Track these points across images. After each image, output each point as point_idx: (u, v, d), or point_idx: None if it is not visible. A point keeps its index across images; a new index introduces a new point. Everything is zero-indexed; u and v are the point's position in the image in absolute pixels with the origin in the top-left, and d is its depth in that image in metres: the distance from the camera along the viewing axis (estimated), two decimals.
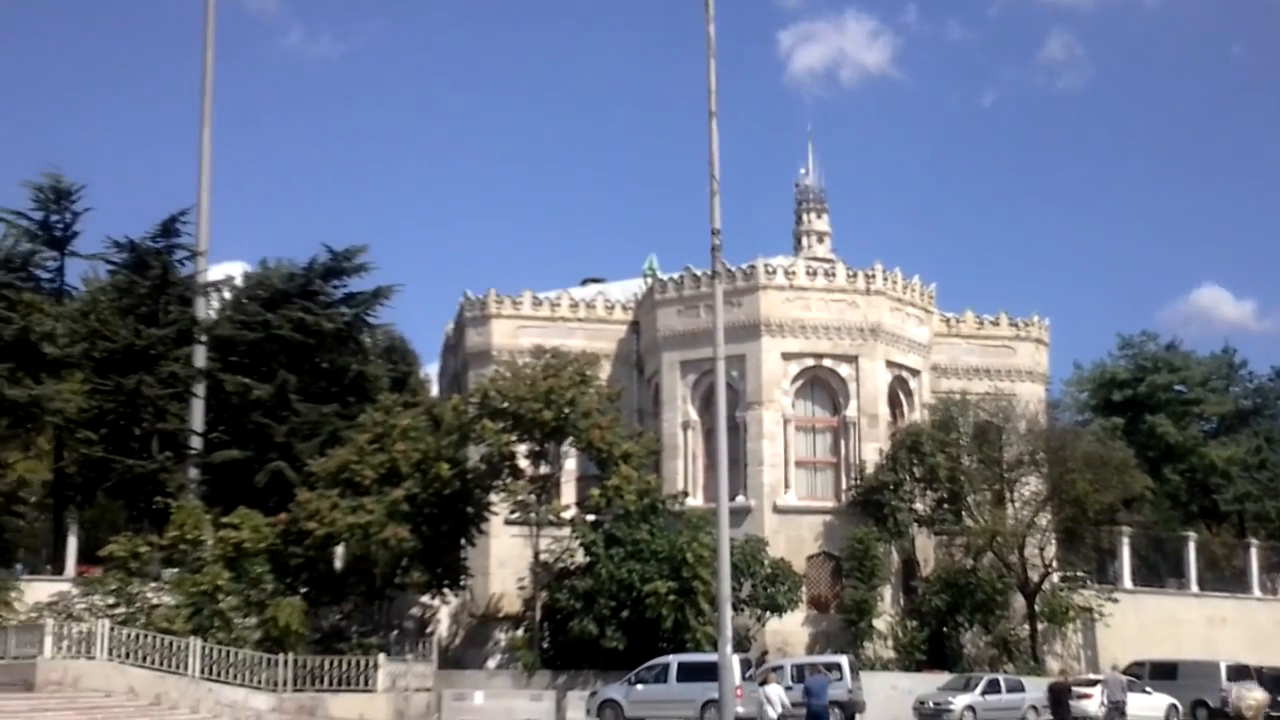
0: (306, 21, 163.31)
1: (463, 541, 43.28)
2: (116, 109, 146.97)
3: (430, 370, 72.58)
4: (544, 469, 44.35)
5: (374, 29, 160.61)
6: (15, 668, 34.69)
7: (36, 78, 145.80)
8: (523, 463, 43.32)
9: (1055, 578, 49.63)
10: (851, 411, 51.77)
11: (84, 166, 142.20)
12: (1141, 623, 51.80)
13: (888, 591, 49.00)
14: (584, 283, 64.29)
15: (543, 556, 43.13)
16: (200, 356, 48.84)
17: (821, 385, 52.59)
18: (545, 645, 42.98)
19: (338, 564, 41.41)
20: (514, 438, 42.30)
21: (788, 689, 36.91)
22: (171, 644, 35.32)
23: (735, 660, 32.20)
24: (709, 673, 33.95)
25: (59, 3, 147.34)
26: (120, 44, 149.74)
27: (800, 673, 37.54)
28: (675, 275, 54.47)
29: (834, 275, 53.48)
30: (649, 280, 57.65)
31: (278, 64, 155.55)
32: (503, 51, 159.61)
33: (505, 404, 42.18)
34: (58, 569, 46.33)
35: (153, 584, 39.38)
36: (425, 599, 45.03)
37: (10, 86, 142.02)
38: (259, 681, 35.77)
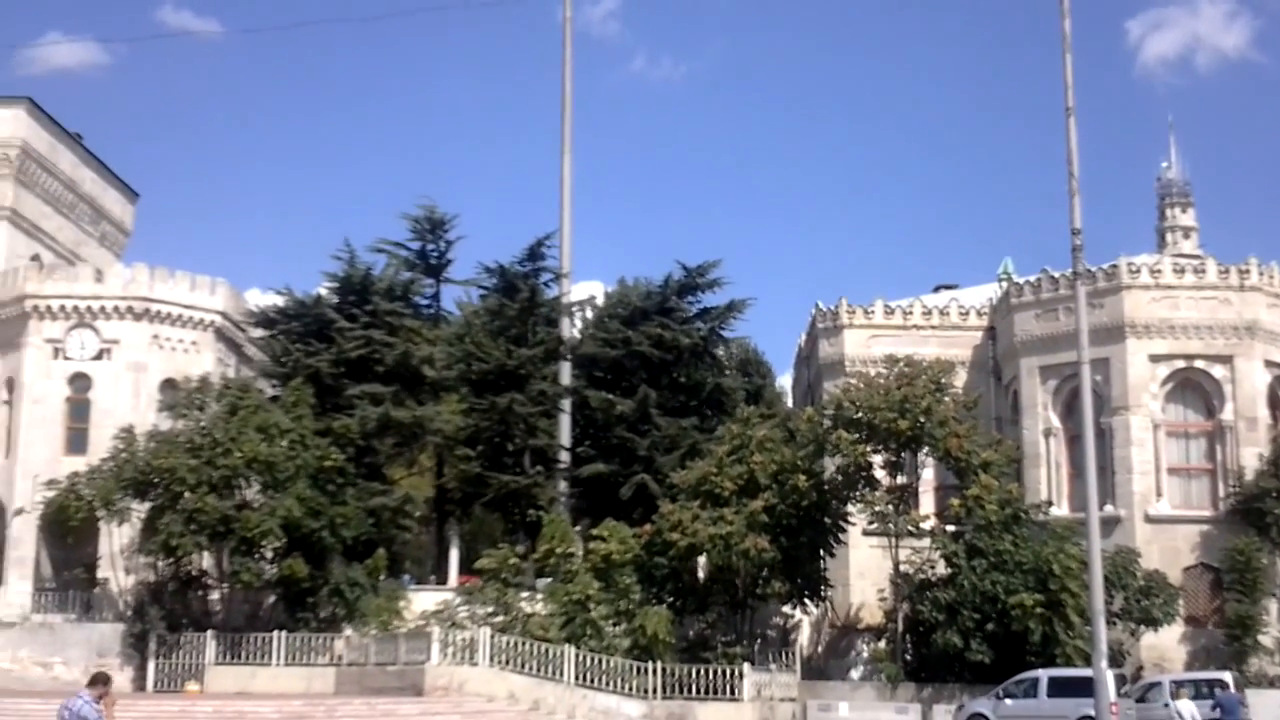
0: (649, 46, 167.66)
1: (821, 552, 43.37)
2: (480, 140, 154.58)
3: (784, 382, 73.19)
4: (901, 479, 43.91)
5: (714, 50, 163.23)
6: (406, 673, 37.07)
7: (409, 114, 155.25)
8: (879, 473, 43.03)
9: None
10: (1228, 415, 49.23)
11: (454, 196, 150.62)
12: None
13: (1274, 605, 46.35)
14: (936, 289, 63.45)
15: (903, 567, 42.75)
16: (566, 374, 50.86)
17: (1193, 388, 50.22)
18: (908, 657, 42.58)
19: (701, 574, 42.27)
20: (869, 448, 42.06)
21: (1165, 707, 35.58)
22: (547, 651, 36.95)
23: (1110, 676, 31.25)
24: (1081, 688, 33.05)
25: (421, 41, 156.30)
26: (484, 79, 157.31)
27: (1178, 690, 36.00)
28: (1032, 278, 53.13)
29: (1203, 272, 50.99)
30: (1004, 284, 56.46)
31: (625, 87, 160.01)
32: (846, 60, 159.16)
33: (859, 414, 42.03)
34: (441, 579, 49.19)
35: (527, 593, 41.26)
36: (786, 609, 45.36)
37: (386, 125, 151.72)
38: (630, 689, 36.94)
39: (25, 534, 47.97)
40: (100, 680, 16.43)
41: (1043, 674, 36.60)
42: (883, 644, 44.46)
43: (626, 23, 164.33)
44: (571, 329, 53.21)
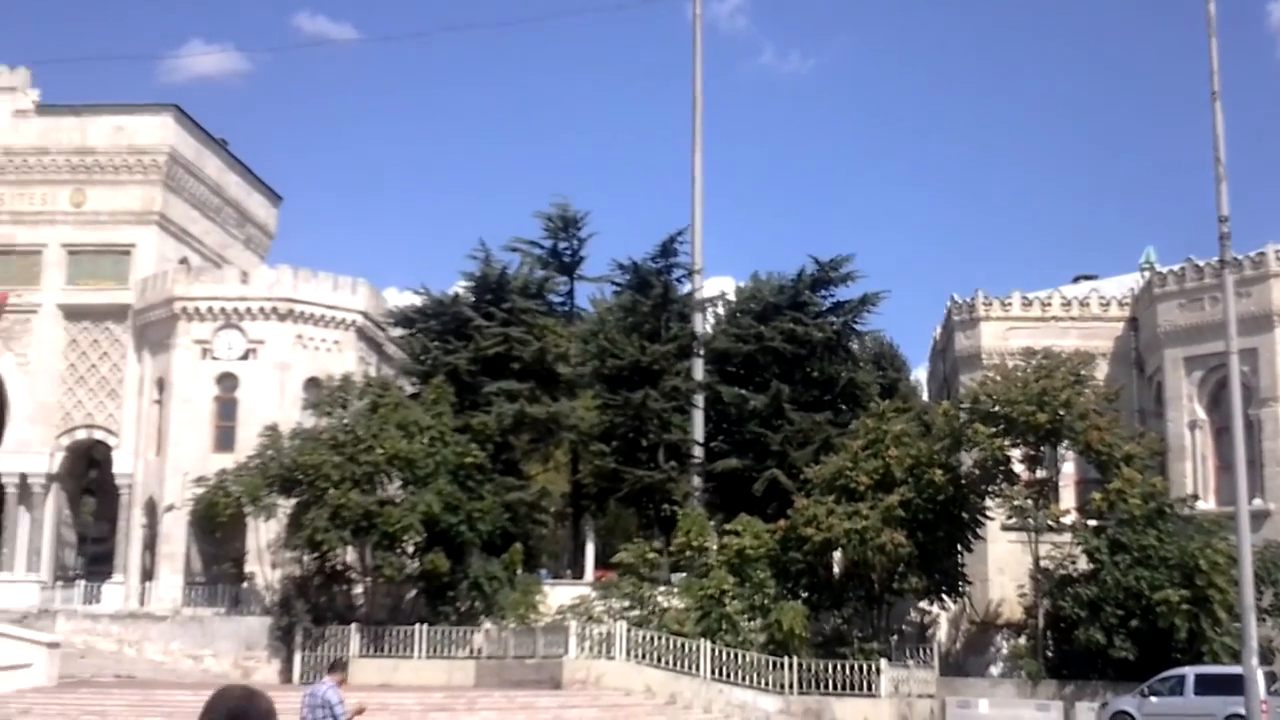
0: (777, 41, 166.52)
1: (959, 547, 42.94)
2: (610, 137, 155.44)
3: (919, 375, 72.51)
4: (1040, 473, 43.29)
5: (842, 42, 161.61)
6: (544, 666, 37.54)
7: (541, 114, 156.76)
8: (1018, 467, 42.42)
9: None
10: None
11: (585, 193, 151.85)
12: None
13: None
14: (1075, 280, 62.29)
15: (1043, 563, 42.13)
16: (699, 370, 50.99)
17: None
18: (1049, 654, 41.92)
19: (836, 569, 42.09)
20: (1007, 442, 41.47)
21: None
22: (683, 646, 37.10)
23: (1259, 673, 30.46)
24: (1230, 686, 32.28)
25: (551, 42, 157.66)
26: (613, 77, 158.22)
27: None
28: (1175, 267, 51.93)
29: None
30: (1147, 274, 55.26)
31: (753, 82, 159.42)
32: (977, 48, 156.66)
33: (997, 407, 41.44)
34: (577, 574, 49.62)
35: (662, 588, 41.47)
36: (924, 605, 44.96)
37: (518, 125, 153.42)
38: (765, 683, 36.91)
39: (176, 530, 49.49)
40: (339, 667, 17.10)
41: (1189, 671, 35.79)
42: (1023, 640, 43.80)
43: (754, 18, 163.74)
44: (704, 324, 53.34)
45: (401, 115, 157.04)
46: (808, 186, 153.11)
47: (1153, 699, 35.70)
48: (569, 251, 54.26)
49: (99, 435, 53.53)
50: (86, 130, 55.77)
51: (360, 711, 16.98)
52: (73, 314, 54.01)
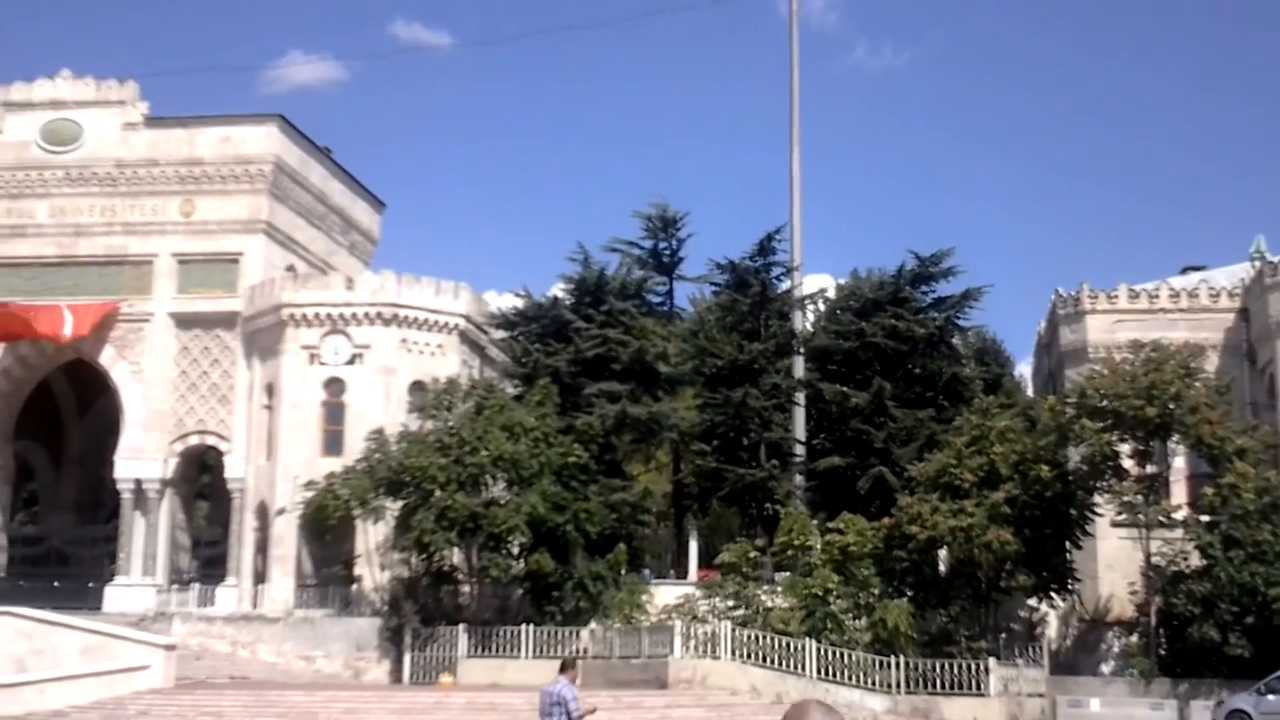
0: (870, 35, 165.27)
1: (1067, 544, 42.38)
2: (706, 136, 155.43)
3: (1024, 370, 71.70)
4: (1150, 468, 42.62)
5: (936, 35, 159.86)
6: (650, 666, 37.65)
7: (636, 115, 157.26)
8: (1126, 462, 41.84)
9: None
10: None
11: (682, 193, 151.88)
12: None
13: None
14: (1184, 271, 61.23)
15: (1154, 559, 41.47)
16: (799, 368, 50.84)
17: None
18: (1161, 651, 41.27)
19: (941, 567, 41.75)
20: (1115, 437, 40.95)
21: None
22: (788, 645, 37.04)
23: None
24: None
25: (644, 42, 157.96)
26: (708, 76, 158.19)
27: None
28: None
29: None
30: (1257, 263, 54.12)
31: (847, 78, 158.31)
32: (1078, 37, 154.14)
33: (1104, 402, 40.94)
34: (681, 574, 49.68)
35: (766, 587, 41.42)
36: (1032, 603, 44.43)
37: (614, 126, 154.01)
38: (872, 683, 36.75)
39: (287, 533, 50.31)
40: (570, 665, 17.28)
41: None
42: (1134, 638, 43.18)
43: (846, 13, 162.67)
44: (804, 322, 53.19)
45: (498, 119, 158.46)
46: (906, 182, 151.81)
47: (1270, 697, 35.05)
48: (668, 251, 54.32)
49: (211, 441, 54.56)
50: (194, 141, 56.86)
51: (592, 711, 17.21)
52: (184, 322, 55.12)
